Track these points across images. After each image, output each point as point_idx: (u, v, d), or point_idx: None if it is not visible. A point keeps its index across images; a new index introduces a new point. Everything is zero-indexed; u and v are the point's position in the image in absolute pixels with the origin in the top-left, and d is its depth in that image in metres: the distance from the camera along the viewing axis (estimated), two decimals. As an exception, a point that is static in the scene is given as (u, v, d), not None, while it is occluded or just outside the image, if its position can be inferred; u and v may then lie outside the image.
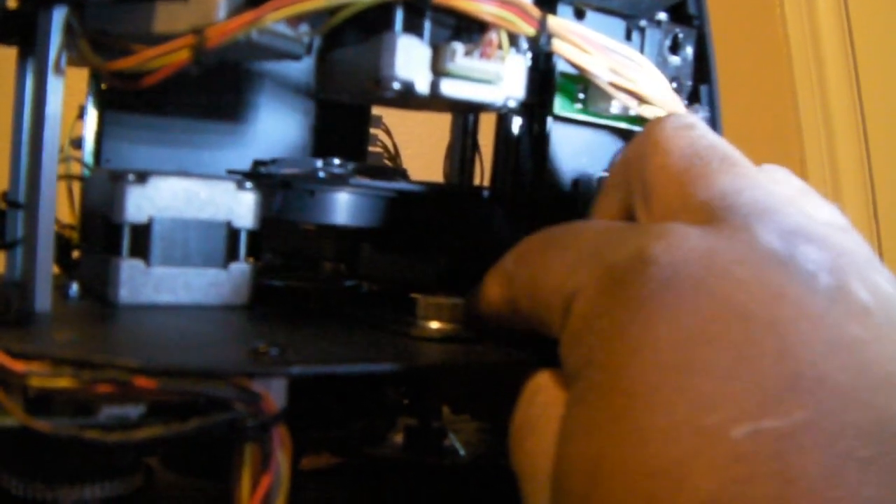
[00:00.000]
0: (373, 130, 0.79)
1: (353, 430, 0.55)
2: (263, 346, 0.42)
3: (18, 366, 0.40)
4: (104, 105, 0.66)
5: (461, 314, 0.51)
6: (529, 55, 0.53)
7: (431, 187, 0.61)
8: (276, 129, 0.74)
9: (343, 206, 0.60)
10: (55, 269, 0.62)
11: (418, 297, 0.51)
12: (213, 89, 0.71)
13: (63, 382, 0.40)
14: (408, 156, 0.83)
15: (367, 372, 0.44)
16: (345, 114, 0.73)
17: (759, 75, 1.51)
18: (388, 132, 0.81)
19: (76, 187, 0.64)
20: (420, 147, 0.82)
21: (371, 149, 0.79)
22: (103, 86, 0.66)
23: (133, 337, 0.47)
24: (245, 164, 0.68)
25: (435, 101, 0.50)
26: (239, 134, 0.73)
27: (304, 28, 0.48)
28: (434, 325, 0.50)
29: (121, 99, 0.66)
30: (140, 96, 0.67)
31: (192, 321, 0.50)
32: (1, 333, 0.43)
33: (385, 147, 0.81)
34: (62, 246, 0.62)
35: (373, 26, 0.49)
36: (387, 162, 0.80)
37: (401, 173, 0.69)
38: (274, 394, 0.41)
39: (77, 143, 0.66)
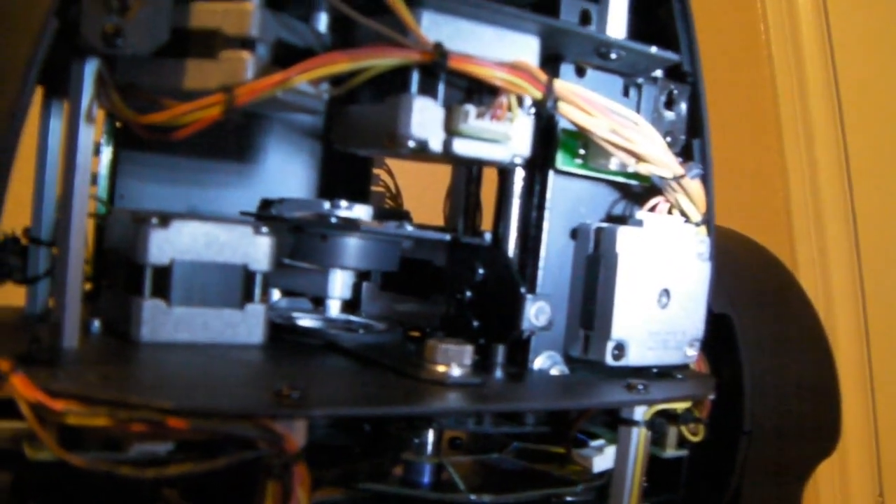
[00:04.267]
0: (375, 170, 0.82)
1: (361, 466, 0.58)
2: (286, 388, 0.45)
3: (57, 404, 0.43)
4: (118, 143, 0.68)
5: (467, 358, 0.53)
6: (533, 113, 0.56)
7: (438, 234, 0.64)
8: (282, 168, 0.77)
9: (353, 251, 0.63)
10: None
11: (428, 341, 0.54)
12: (222, 130, 0.73)
13: (100, 421, 0.43)
14: (409, 194, 0.86)
15: (382, 415, 0.47)
16: (348, 154, 0.76)
17: (745, 117, 1.54)
18: (389, 172, 0.84)
19: (90, 223, 0.66)
20: (421, 186, 0.85)
21: (373, 188, 0.82)
22: (118, 125, 0.68)
23: (160, 376, 0.49)
24: (252, 203, 0.71)
25: (445, 157, 0.53)
26: (246, 173, 0.75)
27: (324, 86, 0.51)
28: (441, 368, 0.53)
29: (134, 138, 0.68)
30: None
31: (212, 360, 0.53)
32: (35, 371, 0.45)
33: (387, 186, 0.84)
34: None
35: (389, 86, 0.52)
36: (388, 201, 0.83)
37: (405, 216, 0.72)
38: (295, 434, 0.44)
39: (92, 179, 0.68)
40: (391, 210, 0.75)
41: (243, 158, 0.75)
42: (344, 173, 0.79)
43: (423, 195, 0.83)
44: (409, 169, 0.78)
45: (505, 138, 0.53)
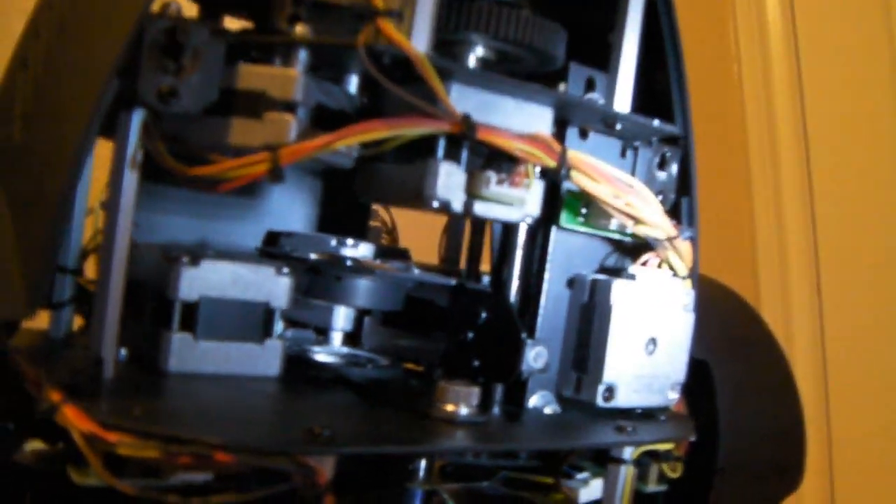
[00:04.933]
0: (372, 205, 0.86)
1: (370, 496, 0.62)
2: (317, 427, 0.49)
3: (111, 436, 0.47)
4: (136, 176, 0.72)
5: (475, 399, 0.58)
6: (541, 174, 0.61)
7: (444, 279, 0.69)
8: (286, 203, 0.81)
9: (364, 292, 0.68)
10: (80, 320, 0.68)
11: (438, 382, 0.58)
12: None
13: (150, 453, 0.47)
14: (402, 226, 0.90)
15: (405, 453, 0.51)
16: (347, 190, 0.80)
17: (714, 156, 1.58)
18: (385, 207, 0.88)
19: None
20: (414, 218, 0.89)
21: (370, 223, 0.86)
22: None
23: (198, 410, 0.53)
24: (258, 235, 0.75)
25: (465, 216, 0.58)
26: (253, 207, 0.79)
27: (355, 146, 0.56)
28: (450, 408, 0.57)
29: (149, 171, 0.72)
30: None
31: (238, 393, 0.57)
32: (83, 402, 0.49)
33: (383, 221, 0.88)
34: (89, 299, 0.67)
35: (415, 149, 0.56)
36: (385, 235, 0.87)
37: (406, 255, 0.76)
38: (325, 467, 0.48)
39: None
40: (392, 248, 0.79)
41: (250, 193, 0.79)
42: (343, 208, 0.83)
43: (417, 229, 0.87)
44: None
45: (521, 203, 0.58)
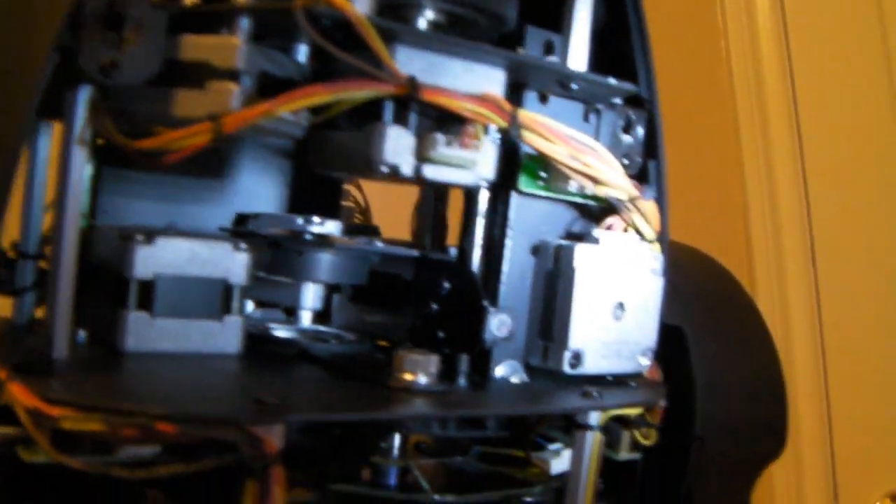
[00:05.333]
0: (345, 186, 0.86)
1: (331, 468, 0.61)
2: (265, 396, 0.48)
3: (54, 410, 0.46)
4: (100, 161, 0.71)
5: (433, 367, 0.57)
6: (499, 139, 0.60)
7: (407, 250, 0.68)
8: (255, 185, 0.80)
9: (326, 265, 0.67)
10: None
11: (396, 351, 0.58)
12: (199, 150, 0.76)
13: (93, 426, 0.46)
14: (376, 206, 0.89)
15: (354, 420, 0.51)
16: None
17: (705, 132, 1.57)
18: (359, 188, 0.88)
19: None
20: (388, 198, 0.88)
21: (343, 203, 0.86)
22: (99, 143, 0.71)
23: (148, 385, 0.53)
24: (228, 217, 0.74)
25: (416, 181, 0.57)
26: (222, 189, 0.79)
27: (303, 113, 0.55)
28: (409, 377, 0.57)
29: (115, 156, 0.71)
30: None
31: (194, 369, 0.57)
32: (30, 379, 0.48)
33: (356, 202, 0.87)
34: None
35: (364, 114, 0.55)
36: (357, 216, 0.87)
37: (373, 231, 0.75)
38: (273, 438, 0.47)
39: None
40: (361, 226, 0.79)
41: (219, 176, 0.78)
42: (315, 189, 0.82)
43: (391, 210, 0.86)
44: (378, 185, 0.82)
45: (472, 164, 0.57)
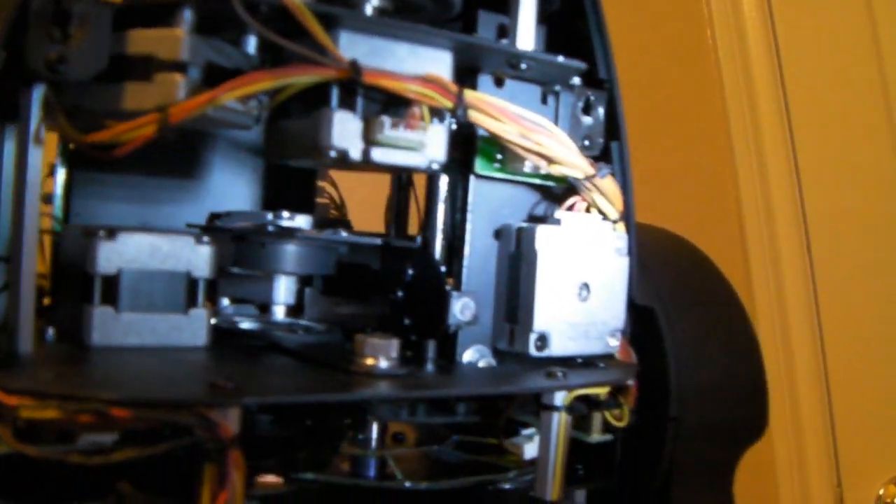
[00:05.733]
0: (320, 183, 0.86)
1: (299, 455, 0.62)
2: (221, 381, 0.49)
3: (11, 399, 0.47)
4: (72, 164, 0.72)
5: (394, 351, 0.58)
6: (453, 122, 0.61)
7: (369, 239, 0.68)
8: (229, 183, 0.81)
9: (291, 257, 0.67)
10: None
11: (356, 336, 0.58)
12: (172, 149, 0.77)
13: (50, 413, 0.47)
14: (353, 204, 0.90)
15: (306, 402, 0.51)
16: (293, 169, 0.79)
17: (694, 120, 1.57)
18: (333, 184, 0.88)
19: (47, 240, 0.70)
20: (365, 195, 0.89)
21: (318, 200, 0.86)
22: (71, 146, 0.72)
23: (107, 374, 0.53)
24: (202, 217, 0.75)
25: (368, 165, 0.57)
26: (195, 189, 0.79)
27: (253, 103, 0.56)
28: (370, 361, 0.57)
29: (87, 159, 0.72)
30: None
31: (157, 360, 0.57)
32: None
33: (331, 198, 0.88)
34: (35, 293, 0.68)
35: (313, 101, 0.56)
36: (333, 212, 0.87)
37: (345, 224, 0.76)
38: (229, 422, 0.48)
39: (47, 198, 0.72)
40: (332, 220, 0.79)
41: (192, 176, 0.79)
42: (289, 186, 0.83)
43: (368, 205, 0.87)
44: (354, 181, 0.82)
45: (420, 146, 0.57)
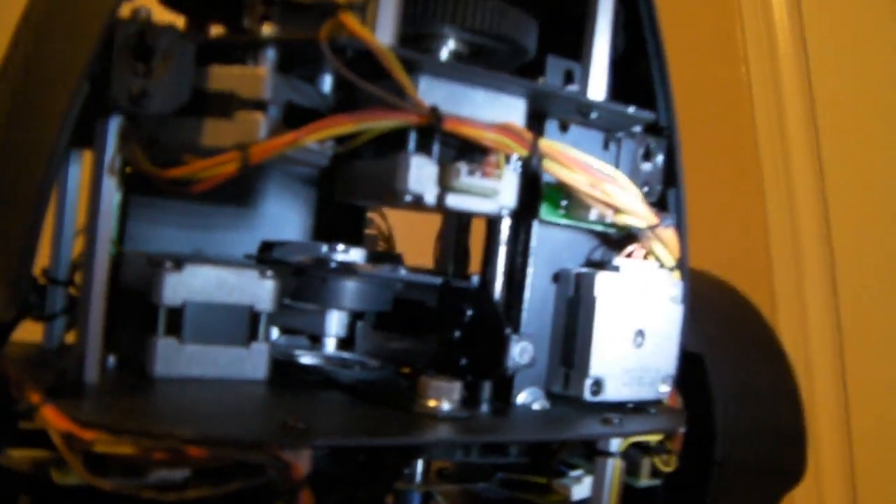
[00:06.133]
0: (368, 214, 0.87)
1: (357, 493, 0.62)
2: (292, 420, 0.49)
3: (87, 434, 0.47)
4: (128, 188, 0.73)
5: (456, 394, 0.58)
6: (520, 168, 0.61)
7: (430, 278, 0.69)
8: (280, 212, 0.81)
9: (351, 293, 0.68)
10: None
11: (420, 378, 0.58)
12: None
13: (125, 449, 0.47)
14: (400, 234, 0.90)
15: (380, 446, 0.51)
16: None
17: (725, 155, 1.58)
18: (382, 215, 0.89)
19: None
20: (411, 226, 0.89)
21: (367, 231, 0.87)
22: (127, 170, 0.72)
23: (177, 408, 0.54)
24: (253, 244, 0.76)
25: (439, 209, 0.58)
26: (247, 217, 0.80)
27: (328, 143, 0.56)
28: (432, 403, 0.57)
29: (143, 183, 0.73)
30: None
31: (221, 394, 0.58)
32: (62, 403, 0.49)
33: (379, 229, 0.88)
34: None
35: (388, 144, 0.56)
36: (381, 243, 0.88)
37: (398, 259, 0.76)
38: (301, 462, 0.48)
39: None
40: (384, 253, 0.80)
41: (244, 204, 0.79)
42: (339, 217, 0.83)
43: (414, 238, 0.87)
44: (401, 213, 0.83)
45: (493, 193, 0.58)
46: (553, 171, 0.60)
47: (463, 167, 0.56)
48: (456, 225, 0.75)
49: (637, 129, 0.69)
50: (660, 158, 0.70)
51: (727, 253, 1.46)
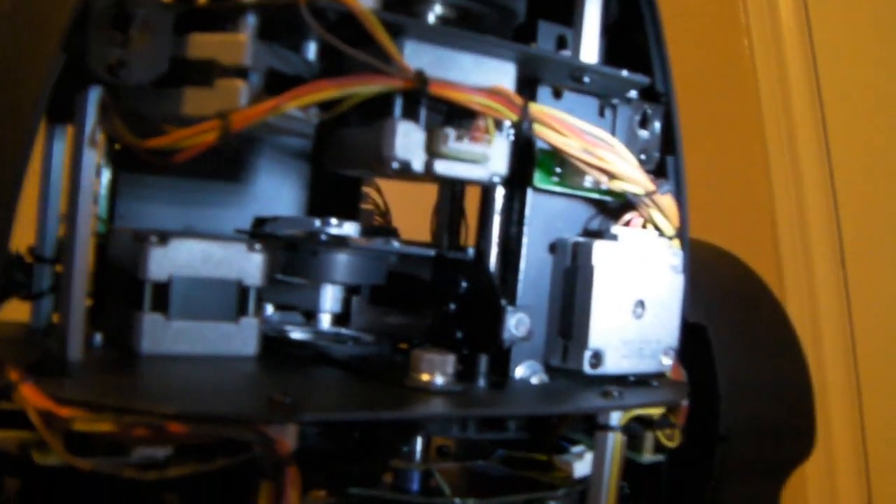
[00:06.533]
0: (364, 188, 0.85)
1: (350, 470, 0.61)
2: (278, 395, 0.48)
3: (64, 411, 0.46)
4: (117, 165, 0.71)
5: (450, 367, 0.57)
6: (512, 134, 0.60)
7: (423, 250, 0.67)
8: (273, 188, 0.80)
9: (342, 266, 0.66)
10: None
11: (412, 351, 0.57)
12: (217, 152, 0.76)
13: (104, 426, 0.46)
14: (397, 210, 0.89)
15: (368, 420, 0.50)
16: (338, 174, 0.78)
17: (730, 129, 1.56)
18: (378, 190, 0.87)
19: (91, 241, 0.69)
20: (408, 202, 0.88)
21: (363, 206, 0.85)
22: (116, 147, 0.71)
23: (161, 385, 0.53)
24: (246, 221, 0.74)
25: (428, 177, 0.56)
26: (240, 193, 0.78)
27: (313, 111, 0.55)
28: (425, 377, 0.56)
29: (132, 160, 0.71)
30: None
31: (209, 370, 0.56)
32: (42, 381, 0.48)
33: (376, 204, 0.87)
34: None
35: (375, 111, 0.55)
36: (377, 218, 0.86)
37: (391, 232, 0.75)
38: (287, 437, 0.47)
39: (93, 199, 0.71)
40: (378, 227, 0.78)
41: (237, 179, 0.78)
42: (334, 192, 0.82)
43: (413, 213, 0.86)
44: (398, 186, 0.81)
45: (483, 159, 0.56)
46: (545, 136, 0.58)
47: (451, 132, 0.54)
48: (450, 195, 0.73)
49: (633, 95, 0.67)
50: (657, 125, 0.69)
51: (733, 230, 1.44)
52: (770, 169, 1.56)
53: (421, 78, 0.52)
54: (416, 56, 0.55)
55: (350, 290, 0.74)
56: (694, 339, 0.71)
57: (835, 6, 1.53)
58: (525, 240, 0.64)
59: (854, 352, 1.49)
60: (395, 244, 0.66)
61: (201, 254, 0.60)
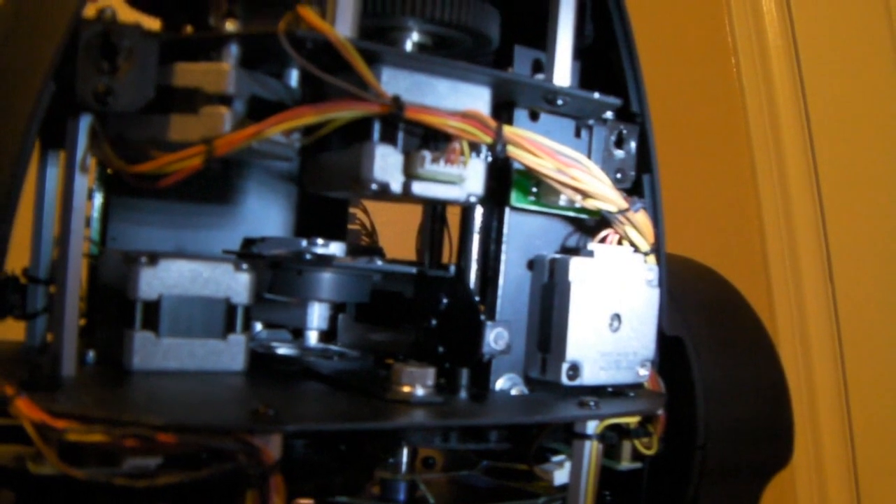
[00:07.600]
0: (351, 209, 0.88)
1: (335, 480, 0.63)
2: (262, 407, 0.50)
3: (59, 423, 0.48)
4: (110, 189, 0.74)
5: (430, 379, 0.59)
6: (489, 156, 0.62)
7: (405, 267, 0.70)
8: (262, 209, 0.82)
9: (327, 284, 0.69)
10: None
11: (394, 364, 0.59)
12: (207, 175, 0.78)
13: (96, 437, 0.48)
14: (384, 229, 0.91)
15: (349, 430, 0.52)
16: (326, 196, 0.80)
17: (717, 145, 1.58)
18: (365, 211, 0.89)
19: (84, 263, 0.71)
20: (395, 221, 0.90)
21: (350, 226, 0.88)
22: (109, 172, 0.73)
23: (151, 399, 0.55)
24: (236, 242, 0.76)
25: (406, 198, 0.58)
26: (230, 215, 0.81)
27: (295, 136, 0.57)
28: (406, 389, 0.58)
29: (124, 184, 0.73)
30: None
31: (197, 385, 0.58)
32: (38, 395, 0.50)
33: (363, 224, 0.89)
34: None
35: (354, 134, 0.57)
36: (364, 238, 0.89)
37: (378, 252, 0.77)
38: (271, 447, 0.49)
39: (85, 222, 0.73)
40: (363, 246, 0.80)
41: (226, 201, 0.80)
42: (321, 213, 0.84)
43: (401, 234, 0.88)
44: (386, 207, 0.83)
45: (459, 180, 0.58)
46: (519, 157, 0.60)
47: (427, 155, 0.56)
48: (431, 215, 0.75)
49: (609, 116, 0.69)
50: (632, 145, 0.71)
51: (721, 245, 1.46)
52: (758, 183, 1.58)
53: (398, 103, 0.54)
54: (394, 82, 0.57)
55: (336, 308, 0.76)
56: (672, 351, 0.73)
57: (820, 25, 1.54)
58: (504, 257, 0.66)
59: (842, 356, 1.50)
60: (378, 262, 0.68)
61: (190, 273, 0.62)
